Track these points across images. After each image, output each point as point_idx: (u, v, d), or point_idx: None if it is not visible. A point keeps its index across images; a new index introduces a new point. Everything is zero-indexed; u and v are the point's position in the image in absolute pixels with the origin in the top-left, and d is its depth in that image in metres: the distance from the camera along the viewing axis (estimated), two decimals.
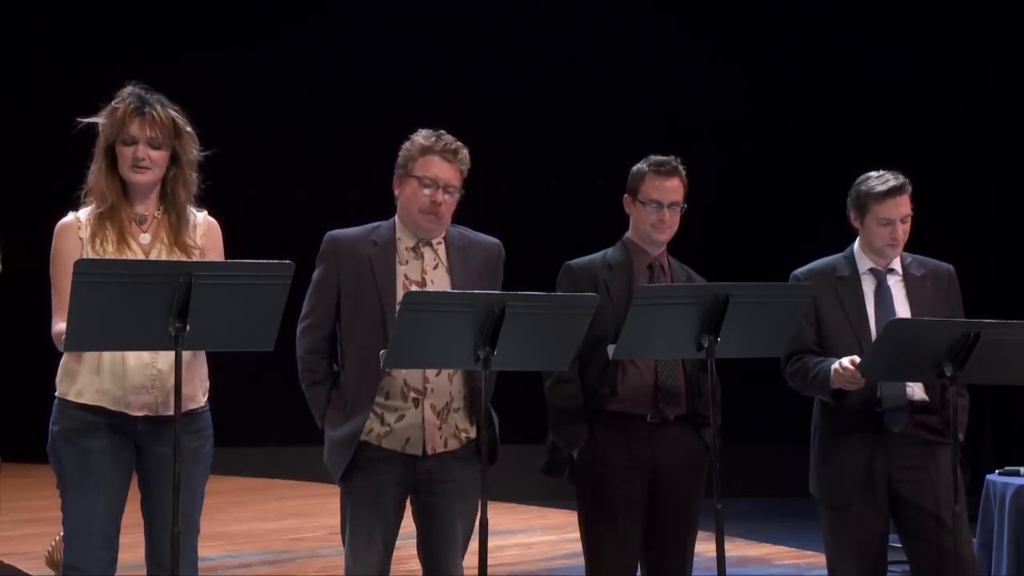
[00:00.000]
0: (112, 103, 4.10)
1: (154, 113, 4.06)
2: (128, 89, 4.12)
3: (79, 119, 4.11)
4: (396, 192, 4.37)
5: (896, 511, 4.65)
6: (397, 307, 4.07)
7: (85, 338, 3.71)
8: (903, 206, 4.71)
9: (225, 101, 11.12)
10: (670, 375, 4.55)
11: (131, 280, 3.62)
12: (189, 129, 4.13)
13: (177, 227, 4.10)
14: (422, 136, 4.35)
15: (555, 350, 4.04)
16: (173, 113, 4.10)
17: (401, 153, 4.36)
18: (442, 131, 4.37)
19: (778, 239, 10.25)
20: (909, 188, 4.72)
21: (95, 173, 4.08)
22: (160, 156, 4.07)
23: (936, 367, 4.29)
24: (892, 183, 4.69)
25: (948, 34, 11.47)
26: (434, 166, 4.29)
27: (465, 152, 4.35)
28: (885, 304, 4.70)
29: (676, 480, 4.56)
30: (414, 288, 4.23)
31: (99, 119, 4.09)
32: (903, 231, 4.72)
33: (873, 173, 4.76)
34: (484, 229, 4.49)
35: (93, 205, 4.07)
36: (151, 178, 4.07)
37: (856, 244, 4.81)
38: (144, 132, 4.05)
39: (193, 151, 4.13)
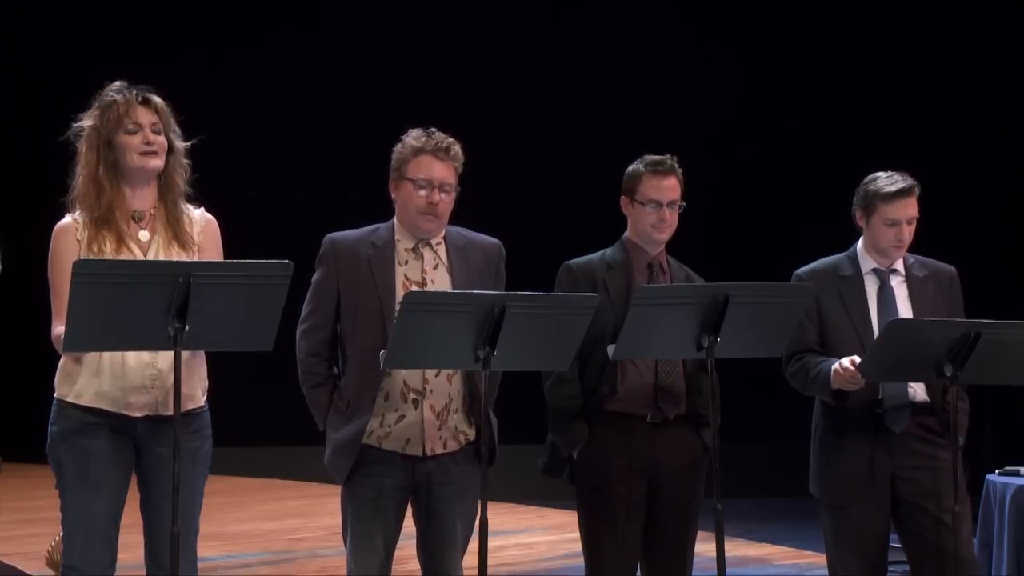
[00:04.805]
0: (102, 100, 4.09)
1: (154, 100, 4.10)
2: (116, 84, 4.13)
3: (72, 122, 4.11)
4: (392, 195, 4.37)
5: (897, 511, 4.65)
6: (397, 308, 4.08)
7: (84, 339, 3.70)
8: (911, 208, 4.70)
9: (225, 101, 11.13)
10: (670, 375, 4.55)
11: (130, 280, 3.62)
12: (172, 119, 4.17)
13: (176, 217, 4.10)
14: (413, 137, 4.34)
15: (555, 350, 4.04)
16: (162, 101, 4.14)
17: (393, 155, 4.35)
18: (432, 129, 4.35)
19: (778, 239, 10.27)
20: (917, 190, 4.71)
21: (88, 175, 4.05)
22: (163, 142, 4.09)
23: (936, 367, 4.29)
24: (901, 184, 4.69)
25: (949, 33, 11.47)
26: (427, 166, 4.27)
27: (457, 148, 4.33)
28: (888, 305, 4.70)
29: (676, 480, 4.56)
30: (414, 288, 4.23)
31: (88, 120, 4.09)
32: (908, 233, 4.71)
33: (881, 173, 4.75)
34: (484, 229, 4.49)
35: (87, 208, 4.05)
36: (160, 163, 4.08)
37: (859, 244, 4.80)
38: (148, 118, 4.07)
39: (180, 140, 4.15)
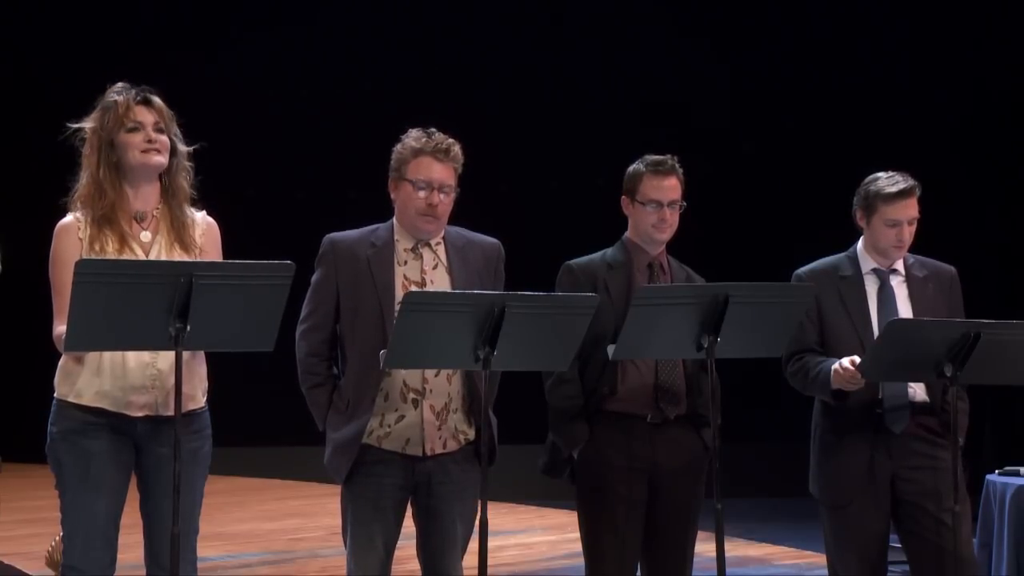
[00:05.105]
0: (103, 102, 4.10)
1: (154, 101, 4.11)
2: (118, 86, 4.14)
3: (69, 124, 4.12)
4: (392, 195, 4.37)
5: (897, 511, 4.65)
6: (396, 308, 4.08)
7: (86, 338, 3.70)
8: (911, 208, 4.70)
9: (225, 101, 11.13)
10: (670, 375, 4.55)
11: (132, 280, 3.62)
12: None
13: (180, 220, 4.10)
14: (412, 137, 4.33)
15: (555, 350, 4.04)
16: (163, 103, 4.15)
17: (393, 156, 4.35)
18: (432, 129, 4.34)
19: (778, 239, 10.26)
20: (918, 191, 4.71)
21: (90, 174, 4.06)
22: (166, 141, 4.09)
23: (936, 367, 4.29)
24: (902, 185, 4.68)
25: (949, 33, 11.47)
26: (427, 167, 4.27)
27: (457, 149, 4.33)
28: (888, 305, 4.70)
29: (676, 480, 4.56)
30: (414, 289, 4.23)
31: (89, 123, 4.10)
32: (909, 233, 4.71)
33: (882, 174, 4.74)
34: (484, 229, 4.49)
35: (88, 208, 4.05)
36: (163, 160, 4.08)
37: (860, 244, 4.80)
38: (149, 117, 4.08)
39: (182, 143, 4.16)
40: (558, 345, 4.03)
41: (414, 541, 4.35)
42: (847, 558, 4.66)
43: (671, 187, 4.66)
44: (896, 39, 11.73)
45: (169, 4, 11.93)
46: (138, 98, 4.10)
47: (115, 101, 4.08)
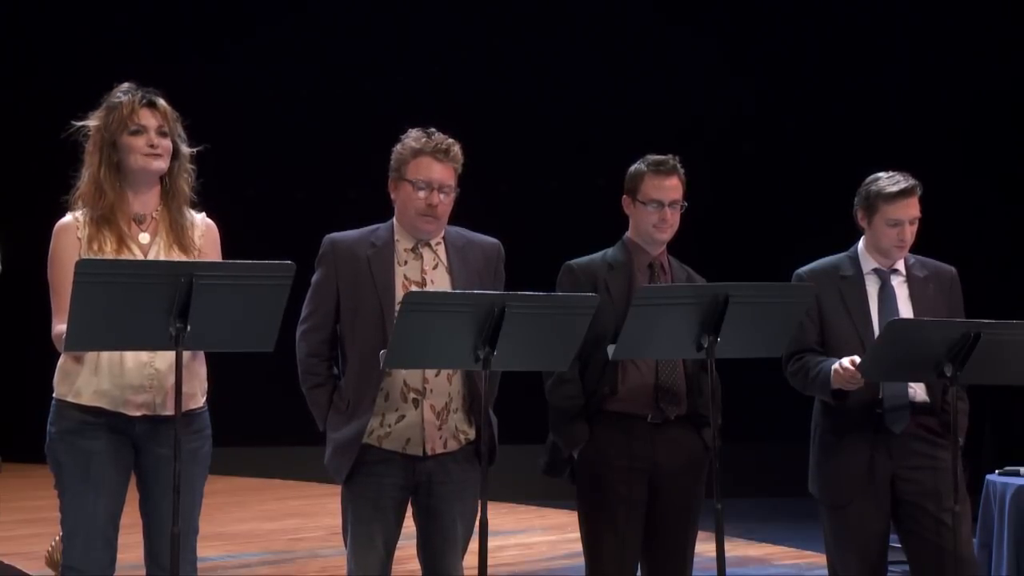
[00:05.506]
0: (109, 101, 4.10)
1: (159, 103, 4.11)
2: (124, 86, 4.14)
3: (73, 122, 4.12)
4: (392, 195, 4.37)
5: (897, 511, 4.65)
6: (396, 308, 4.08)
7: (86, 338, 3.70)
8: (912, 208, 4.70)
9: (225, 101, 11.13)
10: (670, 375, 4.55)
11: (132, 280, 3.62)
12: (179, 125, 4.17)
13: (179, 223, 4.10)
14: (412, 137, 4.33)
15: (555, 350, 4.04)
16: (168, 105, 4.14)
17: (393, 156, 4.35)
18: (432, 129, 4.34)
19: (778, 239, 10.26)
20: (920, 190, 4.71)
21: (91, 174, 4.06)
22: (168, 146, 4.09)
23: (936, 367, 4.29)
24: (903, 184, 4.68)
25: (949, 33, 11.47)
26: (426, 168, 4.27)
27: (457, 149, 4.33)
28: (888, 304, 4.70)
29: (676, 480, 4.56)
30: (414, 288, 4.23)
31: (94, 121, 4.10)
32: (910, 233, 4.71)
33: (883, 174, 4.74)
34: (484, 229, 4.49)
35: (88, 208, 4.06)
36: (163, 165, 4.08)
37: (860, 244, 4.80)
38: (153, 121, 4.08)
39: (185, 145, 4.16)
40: (558, 345, 4.03)
41: (414, 541, 4.35)
42: (847, 558, 4.66)
43: (672, 187, 4.66)
44: (896, 40, 11.73)
45: (170, 4, 11.93)
46: (143, 100, 4.09)
47: (120, 102, 4.08)
